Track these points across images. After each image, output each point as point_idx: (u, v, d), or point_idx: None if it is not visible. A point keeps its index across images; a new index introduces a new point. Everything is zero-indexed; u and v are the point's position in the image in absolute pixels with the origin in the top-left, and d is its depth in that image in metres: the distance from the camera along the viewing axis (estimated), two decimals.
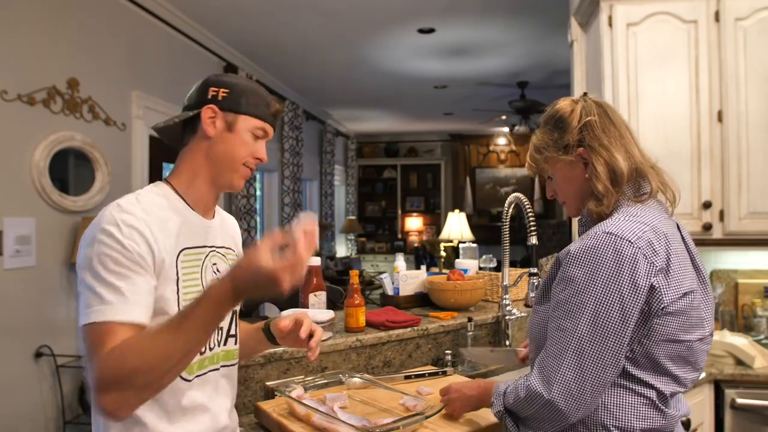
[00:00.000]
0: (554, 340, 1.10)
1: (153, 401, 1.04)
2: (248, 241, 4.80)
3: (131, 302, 0.98)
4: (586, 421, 1.11)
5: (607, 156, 1.16)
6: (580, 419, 1.10)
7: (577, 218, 1.29)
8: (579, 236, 1.19)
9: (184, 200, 1.16)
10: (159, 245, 1.05)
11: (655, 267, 1.05)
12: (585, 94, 1.28)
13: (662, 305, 1.05)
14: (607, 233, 1.07)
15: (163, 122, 1.18)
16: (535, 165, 1.29)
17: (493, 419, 1.37)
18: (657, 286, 1.04)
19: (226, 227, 1.29)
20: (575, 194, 1.24)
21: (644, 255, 1.04)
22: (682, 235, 1.18)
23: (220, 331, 1.19)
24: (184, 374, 1.08)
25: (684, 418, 1.19)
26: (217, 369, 1.18)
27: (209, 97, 1.15)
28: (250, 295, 0.95)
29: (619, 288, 1.03)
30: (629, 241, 1.05)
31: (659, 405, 1.09)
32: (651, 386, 1.09)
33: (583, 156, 1.19)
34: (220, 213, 1.30)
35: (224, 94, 1.15)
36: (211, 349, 1.16)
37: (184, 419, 1.10)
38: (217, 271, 1.18)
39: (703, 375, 2.09)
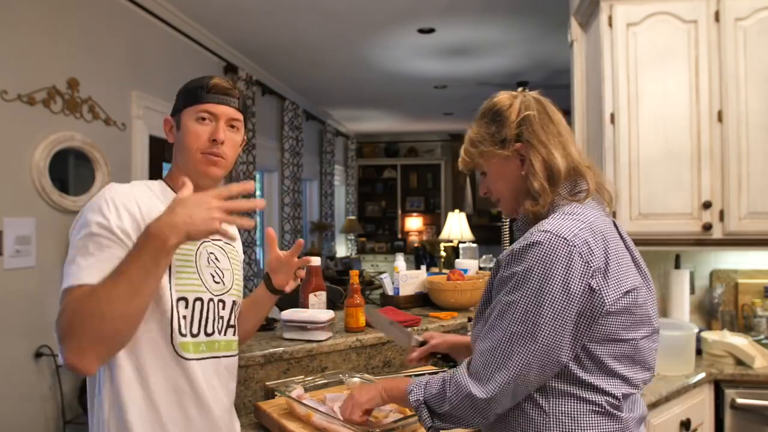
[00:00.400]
0: (486, 337, 1.07)
1: (149, 380, 1.08)
2: (248, 241, 4.81)
3: (96, 268, 1.02)
4: None
5: (545, 153, 1.13)
6: (528, 430, 1.07)
7: (512, 218, 1.25)
8: (516, 237, 1.16)
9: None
10: (148, 221, 1.05)
11: (591, 267, 1.01)
12: (523, 89, 1.25)
13: (604, 306, 1.01)
14: (543, 231, 1.04)
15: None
16: (470, 159, 1.24)
17: None
18: (596, 287, 1.01)
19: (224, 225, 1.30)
20: (509, 191, 1.20)
21: (580, 254, 1.01)
22: (620, 234, 1.15)
23: (220, 320, 1.22)
24: (181, 352, 1.12)
25: (642, 420, 1.14)
26: (218, 358, 1.20)
27: (171, 112, 1.27)
28: (183, 226, 0.97)
29: (550, 288, 1.00)
30: (564, 239, 1.01)
31: (611, 411, 1.05)
32: (601, 390, 1.05)
33: (520, 152, 1.15)
34: None
35: (174, 103, 1.26)
36: (209, 335, 1.18)
37: (179, 405, 1.12)
38: (216, 260, 1.24)
39: (700, 377, 2.09)
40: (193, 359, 1.14)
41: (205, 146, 1.19)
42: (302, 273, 1.42)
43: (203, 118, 1.20)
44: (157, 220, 0.98)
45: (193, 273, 1.17)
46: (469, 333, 1.28)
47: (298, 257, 1.39)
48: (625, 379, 1.07)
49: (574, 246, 1.01)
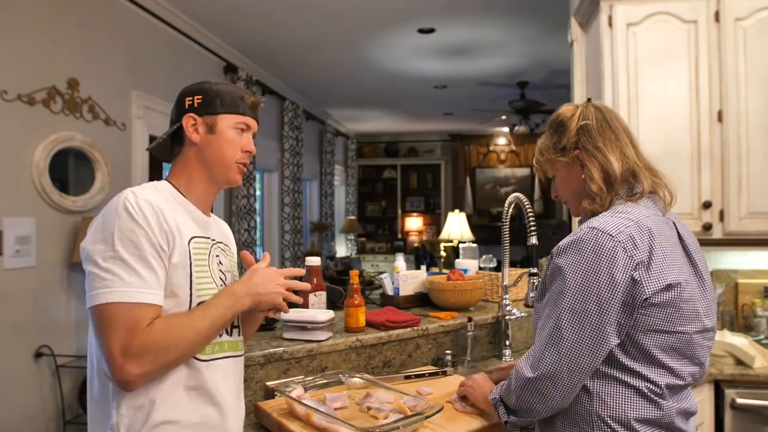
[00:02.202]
0: (541, 327, 1.18)
1: (161, 382, 1.09)
2: (248, 241, 4.81)
3: (153, 285, 1.07)
4: (582, 412, 1.15)
5: (601, 158, 1.23)
6: (576, 410, 1.16)
7: (578, 218, 1.35)
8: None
9: (186, 198, 1.23)
10: (173, 230, 1.12)
11: (635, 260, 1.10)
12: (589, 100, 1.34)
13: (644, 296, 1.09)
14: (591, 228, 1.14)
15: (155, 142, 1.28)
16: (539, 167, 1.38)
17: (496, 419, 1.37)
18: (638, 278, 1.09)
19: (220, 228, 1.36)
20: (573, 194, 1.31)
21: (624, 248, 1.10)
22: (678, 232, 1.23)
23: None
24: (198, 354, 1.15)
25: (691, 416, 1.20)
26: (226, 358, 1.21)
27: (186, 106, 1.23)
28: (257, 288, 1.17)
29: (596, 279, 1.10)
30: (610, 235, 1.11)
31: (652, 397, 1.12)
32: (644, 377, 1.12)
33: (579, 158, 1.26)
34: (213, 215, 1.36)
35: (199, 100, 1.22)
36: (219, 336, 1.20)
37: (191, 403, 1.13)
38: (220, 262, 1.25)
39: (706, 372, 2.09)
40: (206, 360, 1.15)
41: (240, 156, 1.25)
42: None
43: (242, 130, 1.25)
44: (238, 284, 1.17)
45: (208, 277, 1.18)
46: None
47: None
48: (671, 370, 1.14)
49: (619, 241, 1.10)
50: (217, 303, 1.13)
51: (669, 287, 1.11)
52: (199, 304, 1.14)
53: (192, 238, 1.17)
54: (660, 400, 1.12)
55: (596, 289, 1.09)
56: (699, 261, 1.23)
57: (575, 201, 1.31)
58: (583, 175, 1.26)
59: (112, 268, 1.04)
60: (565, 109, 1.32)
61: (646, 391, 1.12)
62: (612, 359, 1.13)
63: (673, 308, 1.12)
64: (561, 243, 1.18)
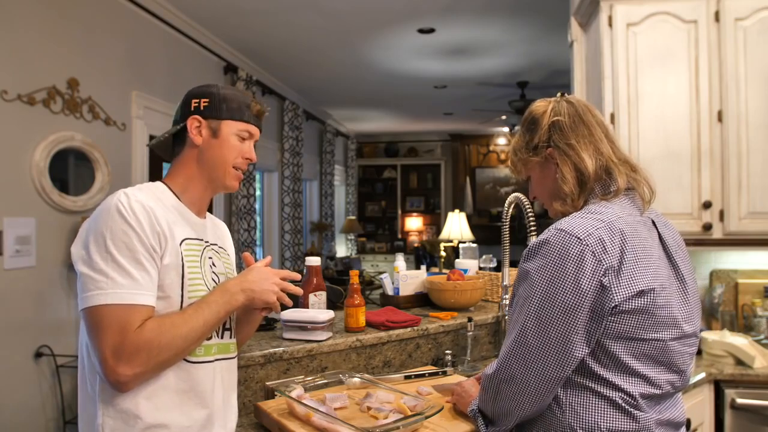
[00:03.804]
0: (508, 332, 1.15)
1: (149, 384, 1.08)
2: (248, 241, 4.81)
3: (146, 287, 1.07)
4: (555, 423, 1.11)
5: (573, 155, 1.17)
6: (549, 421, 1.11)
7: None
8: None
9: (179, 200, 1.23)
10: (165, 231, 1.12)
11: (604, 265, 1.03)
12: (562, 94, 1.28)
13: (614, 303, 1.03)
14: (558, 230, 1.08)
15: (156, 139, 1.28)
16: (514, 167, 1.33)
17: None
18: (607, 284, 1.03)
19: (216, 229, 1.36)
20: (550, 194, 1.25)
21: (593, 252, 1.03)
22: (659, 232, 1.17)
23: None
24: (188, 356, 1.14)
25: (675, 427, 1.14)
26: (217, 360, 1.21)
27: (192, 108, 1.23)
28: (252, 285, 1.17)
29: (562, 285, 1.04)
30: (578, 238, 1.04)
31: (626, 408, 1.06)
32: (616, 387, 1.07)
33: (552, 156, 1.21)
34: (210, 217, 1.36)
35: (205, 104, 1.23)
36: (208, 338, 1.19)
37: (180, 406, 1.12)
38: (213, 264, 1.25)
39: (698, 377, 2.09)
40: (196, 362, 1.15)
41: (240, 162, 1.26)
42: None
43: (244, 138, 1.26)
44: (232, 281, 1.18)
45: (200, 279, 1.18)
46: None
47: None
48: (645, 379, 1.08)
49: (587, 245, 1.04)
50: (210, 300, 1.13)
51: (641, 293, 1.04)
52: (190, 306, 1.14)
53: (184, 240, 1.17)
54: (635, 411, 1.07)
55: (561, 296, 1.04)
56: (681, 263, 1.16)
57: (551, 201, 1.24)
58: (557, 174, 1.20)
59: (104, 270, 1.04)
60: (537, 106, 1.27)
61: (620, 401, 1.06)
62: (583, 367, 1.08)
63: (646, 315, 1.05)
64: (529, 245, 1.13)
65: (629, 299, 1.04)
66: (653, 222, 1.18)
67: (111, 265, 1.04)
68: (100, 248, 1.05)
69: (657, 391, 1.09)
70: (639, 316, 1.05)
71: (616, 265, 1.04)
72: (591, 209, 1.13)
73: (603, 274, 1.03)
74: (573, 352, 1.05)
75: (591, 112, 1.23)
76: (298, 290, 1.28)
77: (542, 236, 1.10)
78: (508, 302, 1.28)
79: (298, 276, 1.32)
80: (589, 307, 1.04)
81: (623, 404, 1.06)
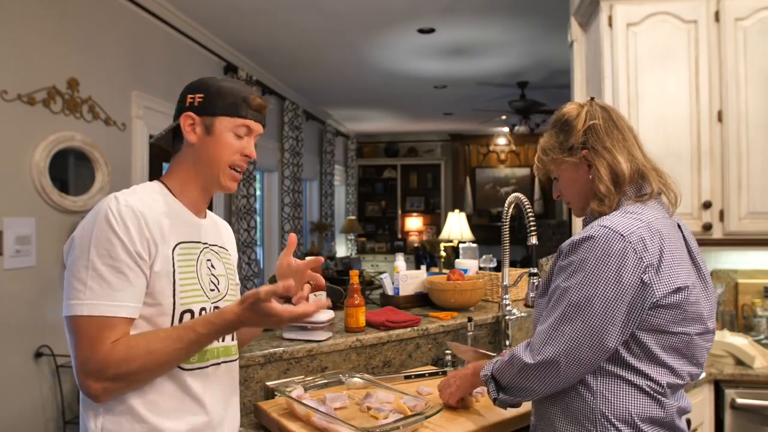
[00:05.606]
0: (545, 319, 1.18)
1: (145, 390, 1.07)
2: (248, 241, 4.81)
3: (125, 298, 1.03)
4: (585, 410, 1.15)
5: (609, 158, 1.22)
6: (578, 408, 1.16)
7: (581, 218, 1.34)
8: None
9: (177, 200, 1.19)
10: (155, 238, 1.08)
11: (644, 262, 1.09)
12: (592, 99, 1.33)
13: (654, 299, 1.09)
14: (603, 226, 1.13)
15: (157, 135, 1.24)
16: (543, 166, 1.35)
17: (495, 418, 1.37)
18: (648, 281, 1.09)
19: (218, 229, 1.32)
20: (579, 195, 1.30)
21: (634, 250, 1.09)
22: (683, 235, 1.23)
23: None
24: (183, 363, 1.11)
25: (686, 414, 1.20)
26: (218, 365, 1.19)
27: (187, 104, 1.18)
28: (253, 323, 1.07)
29: (604, 278, 1.09)
30: (621, 236, 1.10)
31: (655, 395, 1.13)
32: (646, 375, 1.12)
33: (587, 158, 1.25)
34: (212, 216, 1.33)
35: (200, 99, 1.17)
36: None
37: (177, 412, 1.10)
38: (212, 266, 1.21)
39: (703, 374, 2.09)
40: (193, 368, 1.13)
41: (237, 159, 1.20)
42: (307, 289, 1.27)
43: (241, 134, 1.19)
44: (233, 312, 1.04)
45: (195, 284, 1.14)
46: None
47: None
48: (671, 370, 1.14)
49: (629, 242, 1.10)
50: (200, 332, 1.04)
51: (678, 290, 1.11)
52: (183, 312, 1.11)
53: (178, 244, 1.13)
54: (663, 399, 1.13)
55: (603, 289, 1.09)
56: (701, 264, 1.23)
57: (581, 201, 1.30)
58: (590, 176, 1.25)
59: (84, 279, 1.01)
60: (570, 108, 1.31)
61: (648, 390, 1.12)
62: (615, 356, 1.13)
63: (680, 310, 1.11)
64: (573, 238, 1.17)
65: (668, 295, 1.10)
66: (678, 225, 1.24)
67: (91, 274, 1.01)
68: (83, 256, 1.02)
69: (680, 381, 1.16)
70: (673, 311, 1.11)
71: (655, 263, 1.10)
72: (629, 209, 1.18)
73: (643, 271, 1.09)
74: (608, 342, 1.10)
75: (622, 118, 1.29)
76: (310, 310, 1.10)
77: (585, 232, 1.15)
78: (537, 295, 1.30)
79: (312, 313, 1.10)
80: (629, 302, 1.09)
81: (652, 392, 1.12)
